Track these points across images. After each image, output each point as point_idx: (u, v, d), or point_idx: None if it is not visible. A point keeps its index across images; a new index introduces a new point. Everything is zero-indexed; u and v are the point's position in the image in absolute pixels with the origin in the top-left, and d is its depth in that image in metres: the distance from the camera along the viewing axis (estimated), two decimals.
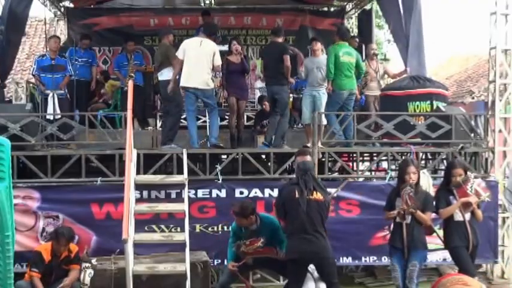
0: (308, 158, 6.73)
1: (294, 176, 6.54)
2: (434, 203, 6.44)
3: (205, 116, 9.79)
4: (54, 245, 6.93)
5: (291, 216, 5.98)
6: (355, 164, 9.87)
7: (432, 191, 7.30)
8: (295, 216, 5.93)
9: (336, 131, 8.74)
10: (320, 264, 6.04)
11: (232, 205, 6.94)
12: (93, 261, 7.15)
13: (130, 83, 8.39)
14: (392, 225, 6.57)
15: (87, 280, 6.87)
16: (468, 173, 6.45)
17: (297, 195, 5.93)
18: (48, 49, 10.36)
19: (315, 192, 5.97)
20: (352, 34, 14.33)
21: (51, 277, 6.94)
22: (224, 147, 9.06)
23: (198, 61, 8.52)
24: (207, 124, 9.28)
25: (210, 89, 8.79)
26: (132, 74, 10.87)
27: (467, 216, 6.28)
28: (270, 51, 9.42)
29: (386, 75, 11.05)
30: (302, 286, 6.12)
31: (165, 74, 8.81)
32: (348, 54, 9.05)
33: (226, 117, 10.18)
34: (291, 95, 10.60)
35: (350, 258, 8.25)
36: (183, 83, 8.58)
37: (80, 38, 11.81)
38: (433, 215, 6.47)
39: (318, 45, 9.49)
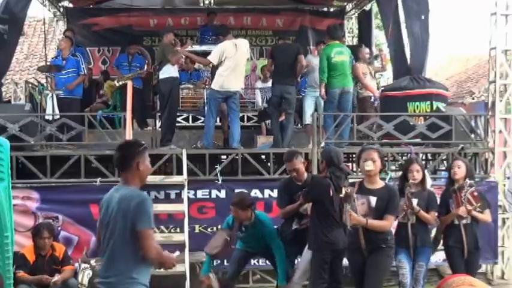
0: (296, 161, 6.47)
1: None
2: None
3: (205, 117, 9.79)
4: (37, 241, 6.80)
5: (324, 211, 5.83)
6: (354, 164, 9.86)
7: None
8: (329, 211, 5.80)
9: (329, 132, 8.73)
10: (340, 258, 6.00)
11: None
12: (92, 262, 7.13)
13: (129, 84, 8.40)
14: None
15: (85, 281, 6.84)
16: (466, 180, 6.33)
17: (331, 194, 5.78)
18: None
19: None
20: (350, 35, 14.50)
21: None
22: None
23: (237, 64, 8.65)
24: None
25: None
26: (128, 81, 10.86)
27: (465, 219, 6.25)
28: (284, 51, 9.34)
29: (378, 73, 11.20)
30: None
31: (166, 72, 8.84)
32: (339, 54, 8.97)
33: None
34: None
35: None
36: (224, 86, 8.61)
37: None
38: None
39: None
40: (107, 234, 3.96)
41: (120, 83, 10.53)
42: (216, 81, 8.70)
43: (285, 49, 9.43)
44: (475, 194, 6.11)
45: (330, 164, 5.95)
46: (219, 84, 8.63)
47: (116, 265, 3.92)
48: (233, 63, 8.61)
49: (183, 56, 9.84)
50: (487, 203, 6.40)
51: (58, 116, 8.84)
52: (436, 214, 6.33)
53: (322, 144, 8.33)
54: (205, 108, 9.25)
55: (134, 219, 3.83)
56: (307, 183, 6.29)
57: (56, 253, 6.91)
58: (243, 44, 8.87)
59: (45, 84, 11.84)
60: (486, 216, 6.34)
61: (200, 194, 8.10)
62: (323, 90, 8.99)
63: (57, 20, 14.18)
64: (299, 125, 10.79)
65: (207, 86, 10.51)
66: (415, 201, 6.11)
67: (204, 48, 10.58)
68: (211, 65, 8.90)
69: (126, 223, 3.85)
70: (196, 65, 11.42)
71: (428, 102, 9.28)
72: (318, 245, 5.87)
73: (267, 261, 8.04)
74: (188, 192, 7.65)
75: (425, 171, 6.50)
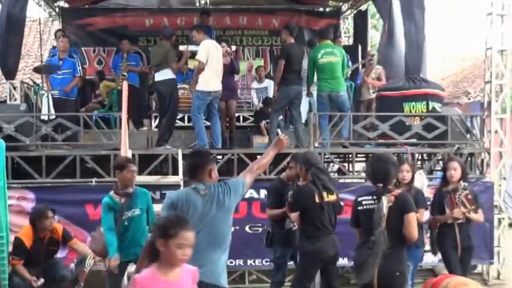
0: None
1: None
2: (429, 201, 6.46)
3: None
4: (43, 222, 6.73)
5: (312, 219, 5.78)
6: (350, 164, 9.85)
7: (428, 192, 7.28)
8: (317, 219, 5.76)
9: (324, 133, 8.71)
10: (333, 264, 6.01)
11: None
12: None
13: (124, 84, 8.37)
14: None
15: (90, 264, 6.74)
16: (460, 182, 6.36)
17: (317, 200, 5.73)
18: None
19: (330, 194, 5.83)
20: (346, 35, 14.50)
21: (39, 260, 6.83)
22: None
23: (218, 64, 8.67)
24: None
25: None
26: (125, 73, 10.81)
27: (460, 219, 6.27)
28: (298, 51, 9.05)
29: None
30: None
31: (164, 74, 8.79)
32: (329, 55, 8.92)
33: None
34: None
35: (346, 259, 8.22)
36: (208, 87, 8.57)
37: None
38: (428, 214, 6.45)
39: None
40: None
41: (120, 83, 10.51)
42: (203, 82, 8.59)
43: (298, 50, 9.07)
44: (469, 197, 6.15)
45: (310, 167, 5.87)
46: (207, 85, 8.58)
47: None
48: (215, 63, 8.61)
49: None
50: (480, 204, 6.42)
51: (54, 116, 8.81)
52: (430, 214, 6.36)
53: (316, 145, 8.32)
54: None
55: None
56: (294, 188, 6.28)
57: (55, 235, 6.90)
58: (220, 47, 8.94)
59: (40, 85, 11.80)
60: (479, 216, 6.35)
61: None
62: (310, 91, 9.23)
63: (52, 20, 14.13)
64: (291, 127, 10.78)
65: None
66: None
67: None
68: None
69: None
70: (191, 65, 11.40)
71: (424, 103, 9.27)
72: (306, 252, 5.89)
73: (263, 262, 8.06)
74: None
75: (422, 171, 6.51)
